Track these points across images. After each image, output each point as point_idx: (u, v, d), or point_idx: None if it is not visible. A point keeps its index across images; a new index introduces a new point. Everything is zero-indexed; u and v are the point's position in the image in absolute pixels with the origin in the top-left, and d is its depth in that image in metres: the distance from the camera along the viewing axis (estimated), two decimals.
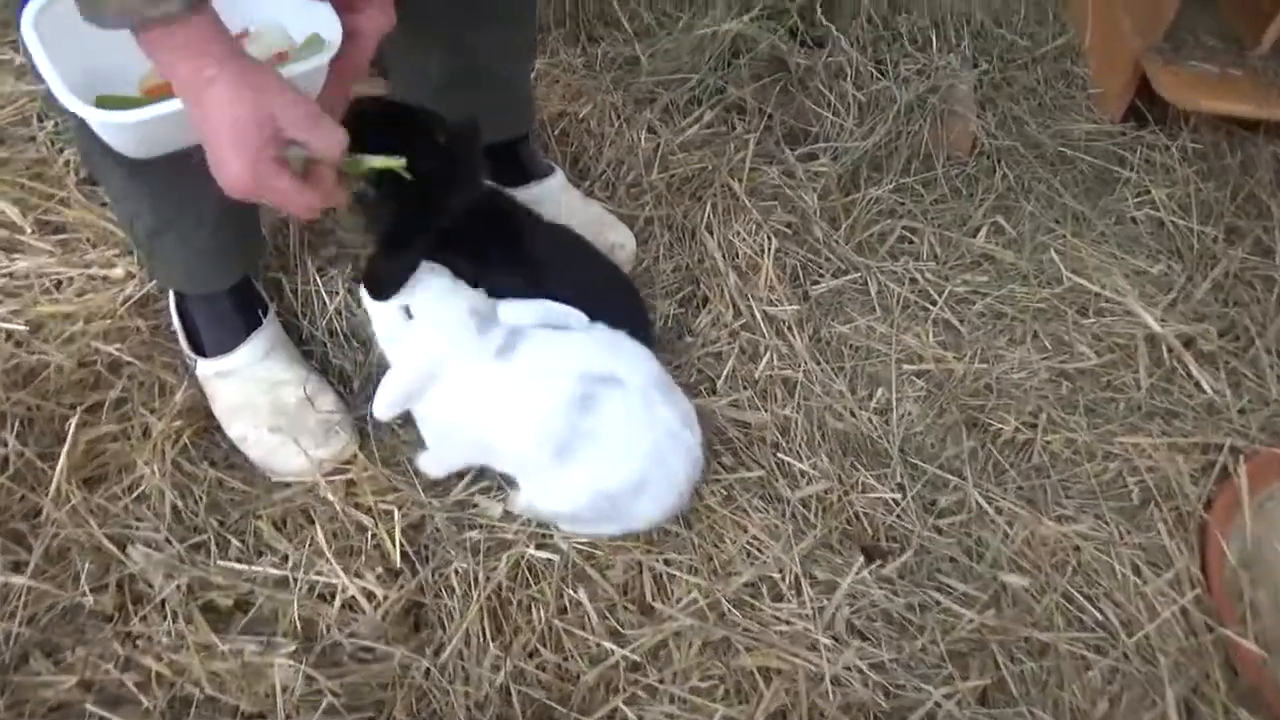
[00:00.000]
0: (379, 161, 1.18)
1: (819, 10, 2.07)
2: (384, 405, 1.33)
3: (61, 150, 1.73)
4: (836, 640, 1.35)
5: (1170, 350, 1.78)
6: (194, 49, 0.92)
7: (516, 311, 1.35)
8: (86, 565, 1.29)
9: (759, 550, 1.44)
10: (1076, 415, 1.68)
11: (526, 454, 1.33)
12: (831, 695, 1.30)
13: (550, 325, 1.34)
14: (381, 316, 1.35)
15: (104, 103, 1.04)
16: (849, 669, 1.32)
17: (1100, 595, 1.47)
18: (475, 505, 1.44)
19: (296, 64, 1.07)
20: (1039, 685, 1.38)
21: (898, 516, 1.51)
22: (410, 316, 1.32)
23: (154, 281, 1.56)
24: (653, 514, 1.40)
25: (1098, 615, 1.45)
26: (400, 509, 1.39)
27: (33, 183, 1.67)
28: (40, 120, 1.77)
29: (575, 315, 1.37)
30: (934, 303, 1.82)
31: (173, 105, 0.99)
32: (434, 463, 1.45)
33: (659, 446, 1.34)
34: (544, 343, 1.34)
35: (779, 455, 1.55)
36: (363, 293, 1.36)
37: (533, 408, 1.31)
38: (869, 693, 1.31)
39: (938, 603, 1.42)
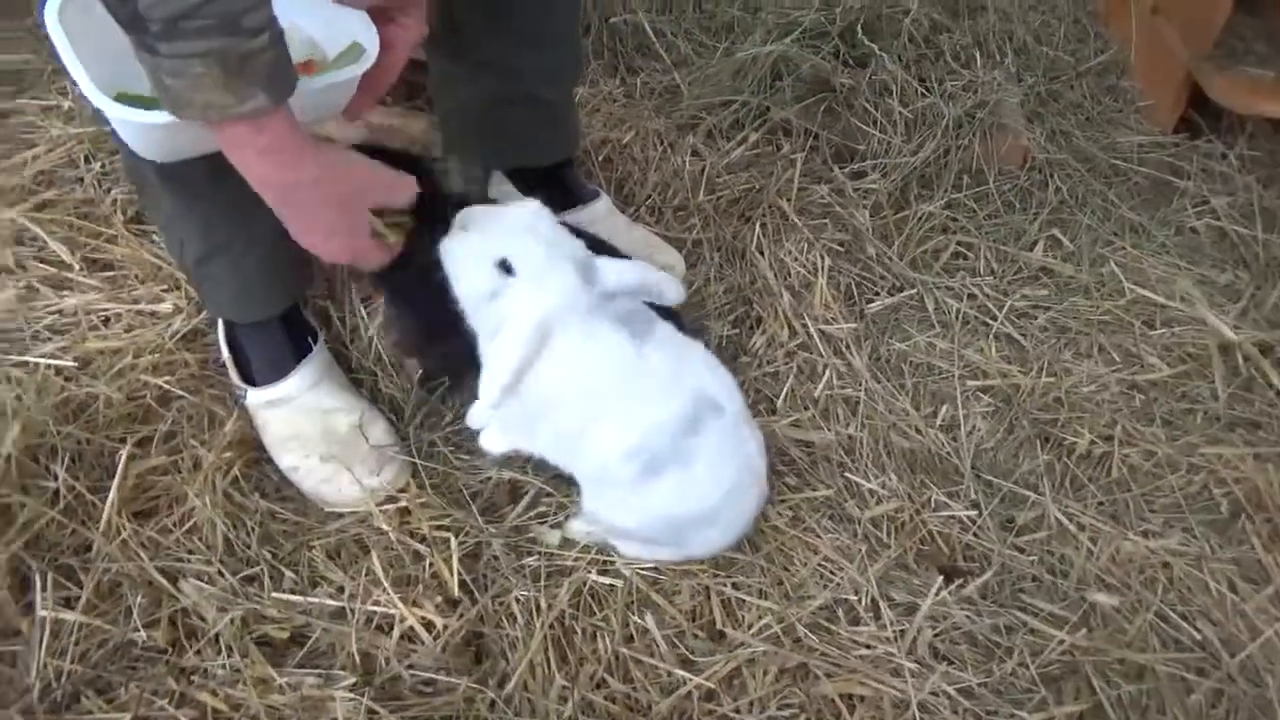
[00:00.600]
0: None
1: (860, 31, 2.05)
2: (496, 382, 1.15)
3: (109, 190, 1.74)
4: (920, 664, 1.28)
5: (1247, 358, 1.71)
6: (272, 150, 0.94)
7: (617, 268, 1.23)
8: (138, 599, 1.25)
9: (831, 572, 1.37)
10: (1154, 427, 1.61)
11: (613, 462, 1.23)
12: None
13: (647, 290, 1.25)
14: (474, 275, 1.18)
15: (124, 99, 1.01)
16: (936, 694, 1.25)
17: (1196, 613, 1.39)
18: (532, 534, 1.39)
19: (334, 72, 1.06)
20: (1138, 710, 1.29)
21: (974, 535, 1.44)
22: (508, 271, 1.17)
23: (203, 314, 1.54)
24: (715, 544, 1.34)
25: (1195, 634, 1.36)
26: (456, 536, 1.34)
27: (81, 221, 1.67)
28: (88, 161, 1.77)
29: (672, 284, 1.26)
30: (994, 318, 1.76)
31: None
32: (497, 440, 1.32)
33: (740, 479, 1.29)
34: (670, 349, 1.24)
35: (846, 475, 1.49)
36: (446, 246, 1.19)
37: (644, 416, 1.21)
38: None
39: (1024, 624, 1.34)
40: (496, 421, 1.32)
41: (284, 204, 1.01)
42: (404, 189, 1.07)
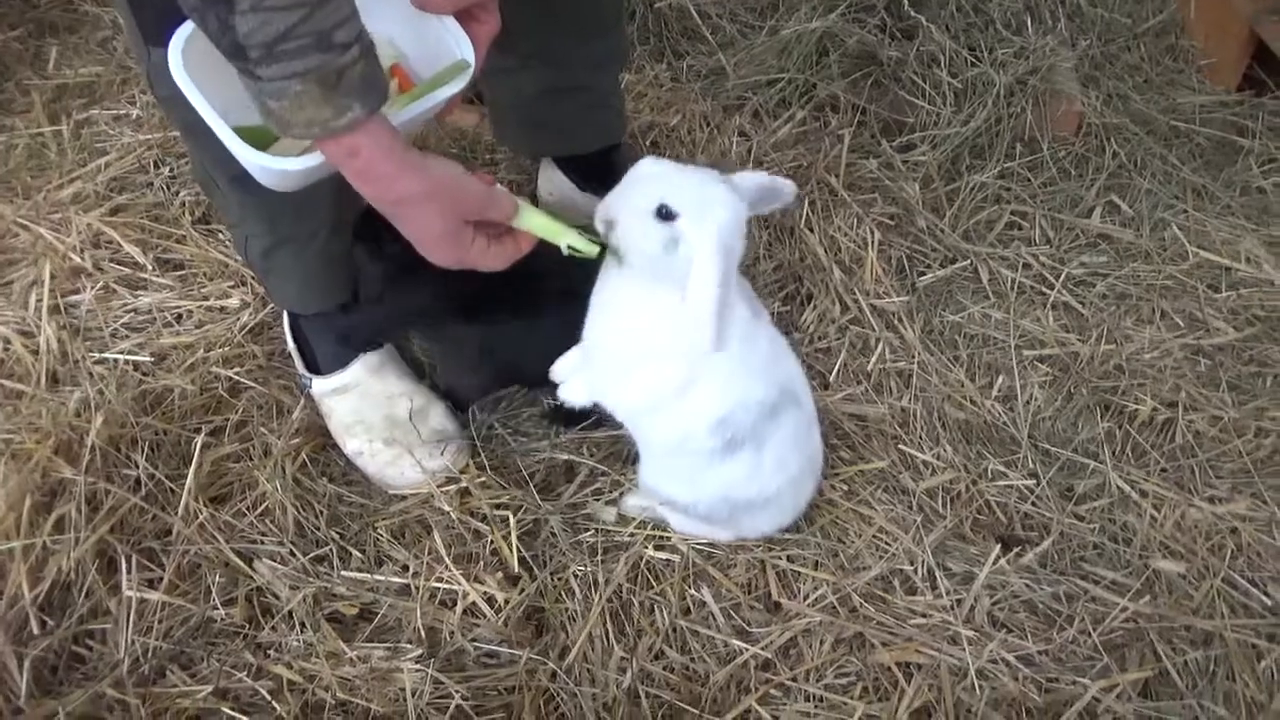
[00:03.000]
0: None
1: (906, 3, 2.03)
2: (712, 329, 1.08)
3: (177, 193, 1.81)
4: (979, 632, 1.27)
5: None
6: (371, 170, 0.97)
7: (745, 179, 1.16)
8: (216, 579, 1.31)
9: (887, 543, 1.37)
10: (1220, 392, 1.57)
11: (699, 430, 1.20)
12: (978, 690, 1.22)
13: (772, 190, 1.17)
14: (644, 236, 1.11)
15: (240, 134, 1.04)
16: (995, 662, 1.24)
17: (1266, 579, 1.36)
18: (588, 511, 1.42)
19: (443, 89, 1.09)
20: (1206, 676, 1.27)
21: (1033, 504, 1.43)
22: (669, 216, 1.10)
23: (269, 307, 1.60)
24: (766, 528, 1.36)
25: (1265, 600, 1.34)
26: (515, 514, 1.38)
27: (152, 224, 1.75)
28: (157, 166, 1.85)
29: (789, 185, 1.19)
30: (1051, 287, 1.74)
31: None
32: (579, 391, 1.29)
33: (802, 472, 1.31)
34: (773, 336, 1.25)
35: (900, 447, 1.49)
36: (606, 227, 1.14)
37: (741, 389, 1.21)
38: (1019, 686, 1.22)
39: (1085, 591, 1.33)
40: (582, 373, 1.30)
41: (392, 217, 1.04)
42: (499, 205, 1.07)
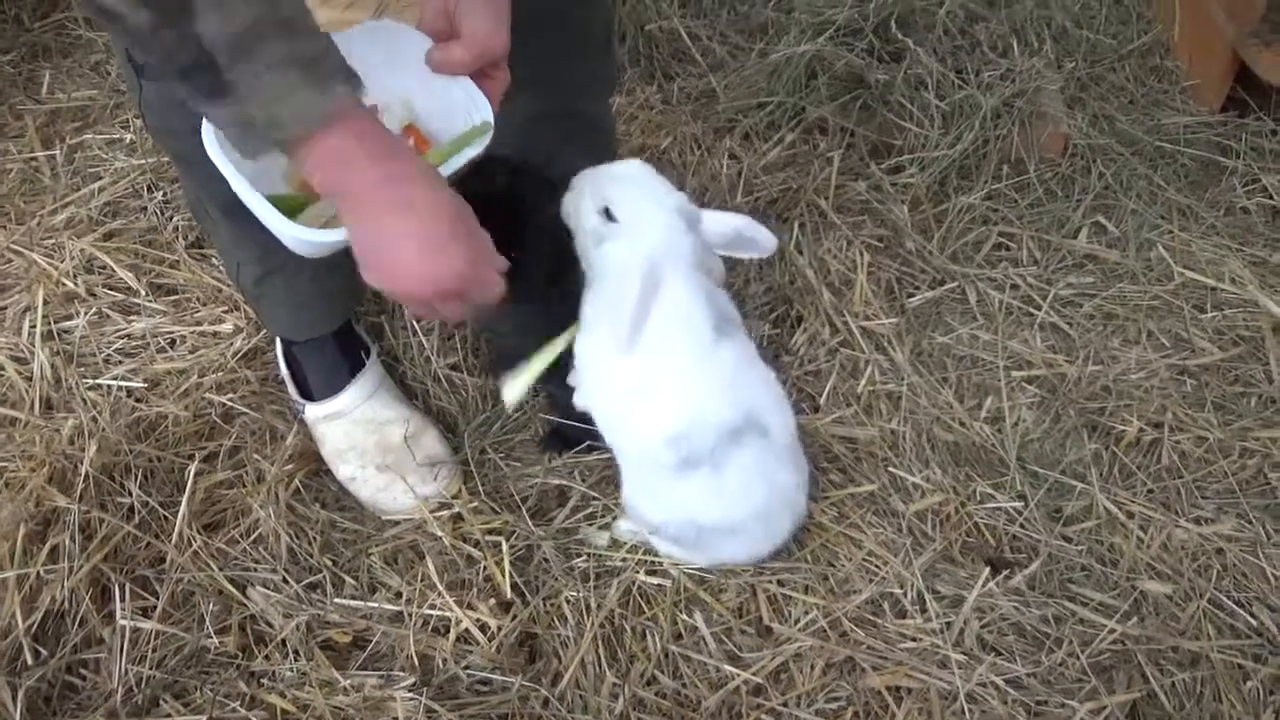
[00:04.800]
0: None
1: (894, 26, 2.05)
2: (622, 332, 1.15)
3: (171, 218, 1.82)
4: (968, 656, 1.28)
5: None
6: (366, 143, 0.91)
7: (719, 217, 1.25)
8: (210, 607, 1.31)
9: (877, 566, 1.38)
10: (1205, 412, 1.59)
11: (654, 444, 1.24)
12: (967, 713, 1.23)
13: (744, 238, 1.25)
14: (584, 223, 1.22)
15: (271, 202, 1.04)
16: (984, 685, 1.25)
17: (1252, 600, 1.37)
18: (580, 536, 1.43)
19: (471, 148, 1.11)
20: (1193, 698, 1.28)
21: (1021, 526, 1.44)
22: (612, 218, 1.20)
23: (263, 332, 1.61)
24: (739, 556, 1.36)
25: (1251, 621, 1.35)
26: (508, 540, 1.39)
27: (146, 249, 1.76)
28: (150, 191, 1.86)
29: (768, 237, 1.27)
30: (1039, 307, 1.75)
31: None
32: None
33: (768, 506, 1.31)
34: (742, 359, 1.27)
35: (890, 470, 1.50)
36: (564, 201, 1.24)
37: (696, 409, 1.23)
38: (1008, 709, 1.23)
39: (1073, 614, 1.34)
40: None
41: (398, 217, 0.93)
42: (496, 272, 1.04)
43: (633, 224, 1.20)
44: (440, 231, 0.95)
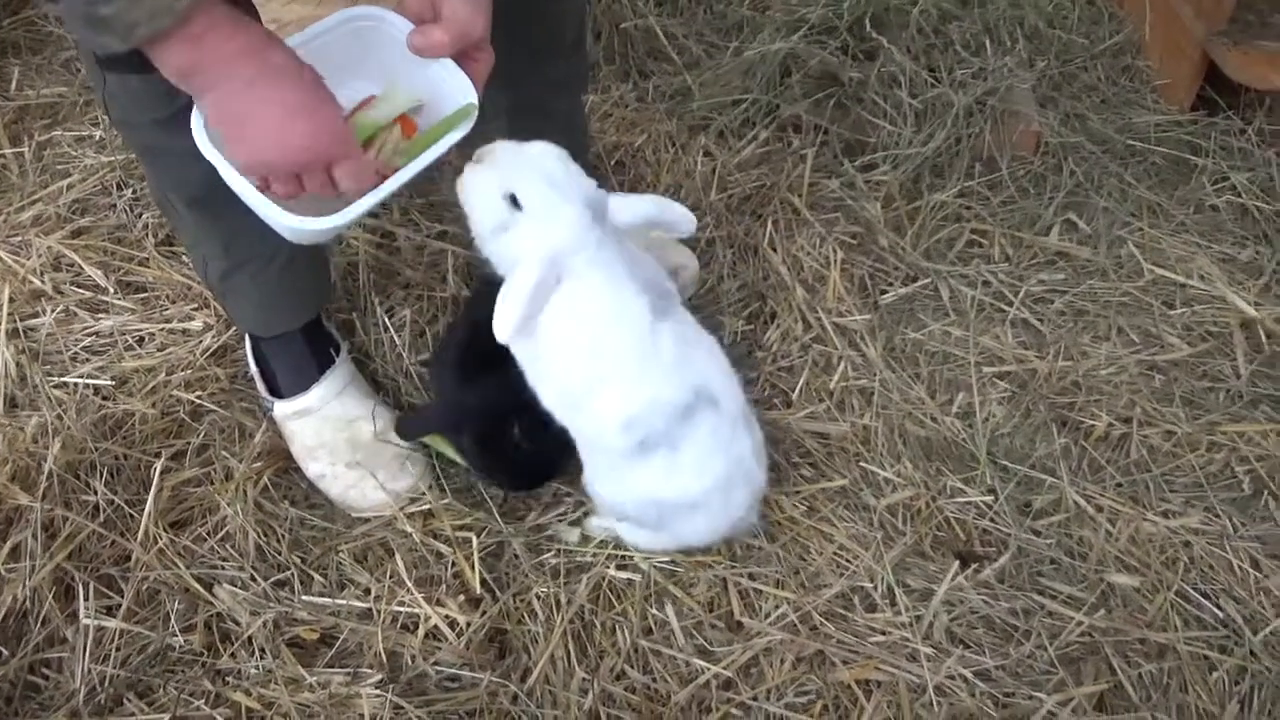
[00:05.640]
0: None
1: (868, 24, 2.05)
2: (507, 319, 1.13)
3: (140, 215, 1.80)
4: (937, 649, 1.29)
5: (1269, 335, 1.69)
6: (222, 33, 0.88)
7: (629, 203, 1.22)
8: (176, 606, 1.30)
9: (847, 560, 1.38)
10: (1173, 407, 1.60)
11: (610, 430, 1.24)
12: (936, 706, 1.23)
13: (661, 222, 1.23)
14: (484, 208, 1.18)
15: None
16: (953, 678, 1.26)
17: (1219, 592, 1.38)
18: (551, 533, 1.42)
19: (455, 131, 1.10)
20: (1160, 689, 1.29)
21: (991, 520, 1.45)
22: (517, 206, 1.16)
23: (232, 329, 1.60)
24: (702, 534, 1.36)
25: (1217, 613, 1.36)
26: (478, 536, 1.38)
27: (115, 246, 1.74)
28: (119, 188, 1.84)
29: (687, 217, 1.25)
30: (1010, 304, 1.76)
31: (361, 208, 1.04)
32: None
33: (728, 475, 1.30)
34: (684, 336, 1.26)
35: (861, 464, 1.51)
36: (461, 180, 1.20)
37: (647, 392, 1.22)
38: (976, 702, 1.24)
39: (1042, 606, 1.35)
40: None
41: (261, 85, 0.91)
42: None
43: (539, 215, 1.15)
44: (304, 97, 0.94)
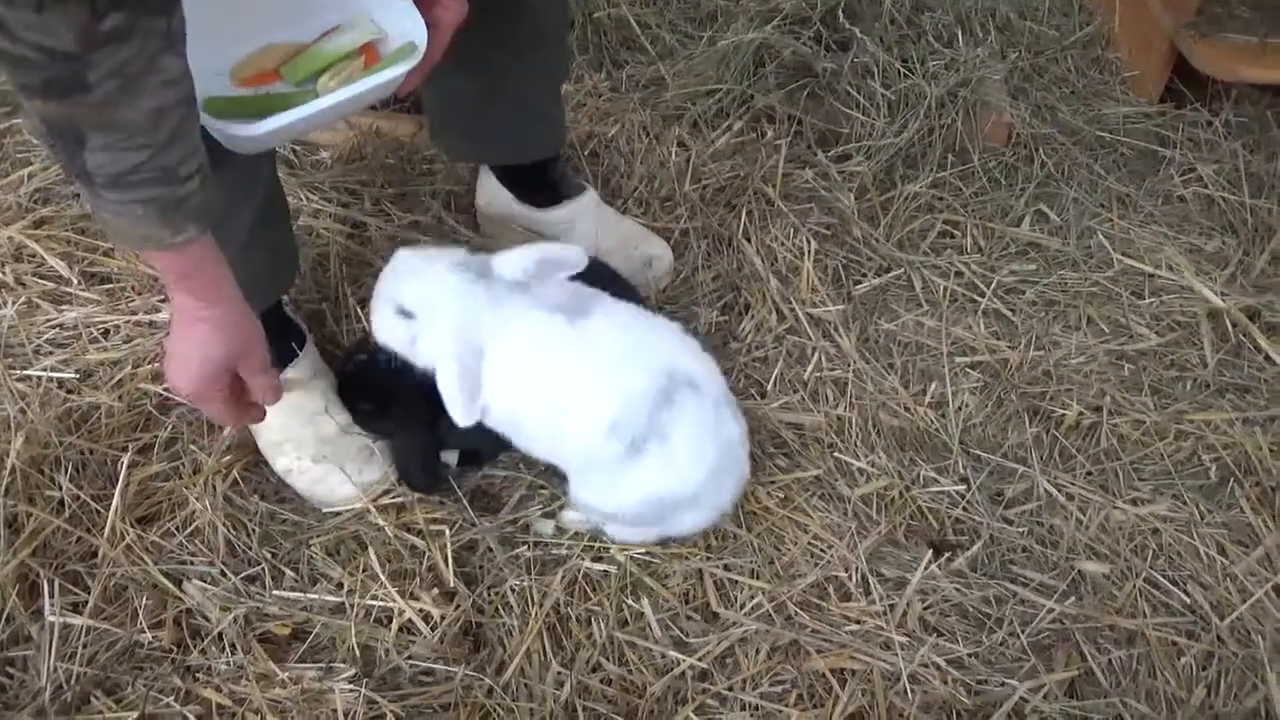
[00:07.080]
0: None
1: (841, 15, 2.06)
2: (458, 408, 1.19)
3: None
4: (910, 637, 1.30)
5: (1235, 325, 1.72)
6: (196, 286, 1.04)
7: (512, 259, 1.26)
8: (144, 602, 1.28)
9: (822, 550, 1.39)
10: (1142, 396, 1.62)
11: (596, 442, 1.25)
12: (910, 694, 1.24)
13: (551, 266, 1.25)
14: (390, 331, 1.28)
15: (211, 105, 1.09)
16: (926, 666, 1.27)
17: (1186, 578, 1.40)
18: (526, 526, 1.41)
19: (388, 70, 1.11)
20: (1129, 674, 1.31)
21: (964, 509, 1.46)
22: (410, 315, 1.25)
23: None
24: (696, 524, 1.36)
25: (1185, 599, 1.38)
26: (451, 530, 1.37)
27: (78, 236, 1.71)
28: None
29: (574, 251, 1.27)
30: (982, 294, 1.77)
31: (310, 109, 1.08)
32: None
33: (721, 461, 1.31)
34: (625, 326, 1.28)
35: (835, 454, 1.51)
36: (370, 312, 1.31)
37: (615, 393, 1.24)
38: (949, 690, 1.25)
39: (1014, 594, 1.36)
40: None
41: (181, 327, 1.08)
42: (268, 384, 1.17)
43: (427, 311, 1.23)
44: (190, 356, 1.09)
